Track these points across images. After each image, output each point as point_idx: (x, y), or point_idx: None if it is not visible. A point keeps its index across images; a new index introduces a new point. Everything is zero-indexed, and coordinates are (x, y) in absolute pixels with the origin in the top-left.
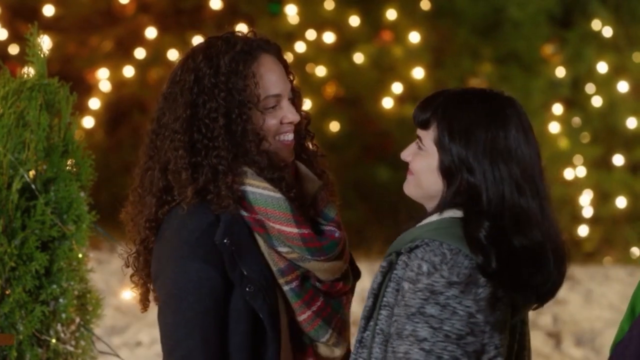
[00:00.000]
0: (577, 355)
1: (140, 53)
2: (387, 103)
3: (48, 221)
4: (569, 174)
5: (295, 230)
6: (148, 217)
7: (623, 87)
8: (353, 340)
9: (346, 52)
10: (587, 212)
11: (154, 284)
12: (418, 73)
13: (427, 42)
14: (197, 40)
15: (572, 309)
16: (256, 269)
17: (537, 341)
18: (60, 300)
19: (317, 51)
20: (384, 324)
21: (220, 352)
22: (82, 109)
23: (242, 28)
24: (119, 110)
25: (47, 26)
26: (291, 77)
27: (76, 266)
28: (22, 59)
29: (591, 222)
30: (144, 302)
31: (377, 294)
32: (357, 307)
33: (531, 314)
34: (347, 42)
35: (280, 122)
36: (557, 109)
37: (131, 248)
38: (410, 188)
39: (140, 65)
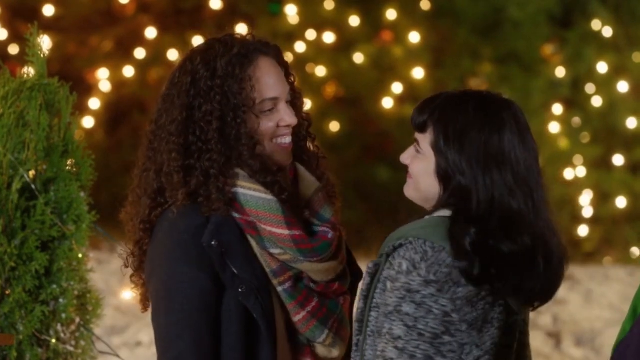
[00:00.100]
0: (577, 355)
1: (140, 53)
2: (387, 103)
3: (48, 221)
4: (569, 174)
5: (286, 232)
6: (142, 219)
7: (623, 87)
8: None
9: (346, 52)
10: (587, 212)
11: (147, 285)
12: (418, 73)
13: (427, 42)
14: (197, 40)
15: (572, 309)
16: (248, 269)
17: (537, 341)
18: (60, 300)
19: (317, 51)
20: (374, 325)
21: (212, 353)
22: (82, 109)
23: (242, 28)
24: (119, 110)
25: (47, 26)
26: (292, 79)
27: (76, 266)
28: (22, 59)
29: (591, 222)
30: (144, 302)
31: (366, 296)
32: None
33: (531, 314)
34: (347, 42)
35: (277, 125)
36: (557, 109)
37: (130, 248)
38: (409, 191)
39: (140, 65)
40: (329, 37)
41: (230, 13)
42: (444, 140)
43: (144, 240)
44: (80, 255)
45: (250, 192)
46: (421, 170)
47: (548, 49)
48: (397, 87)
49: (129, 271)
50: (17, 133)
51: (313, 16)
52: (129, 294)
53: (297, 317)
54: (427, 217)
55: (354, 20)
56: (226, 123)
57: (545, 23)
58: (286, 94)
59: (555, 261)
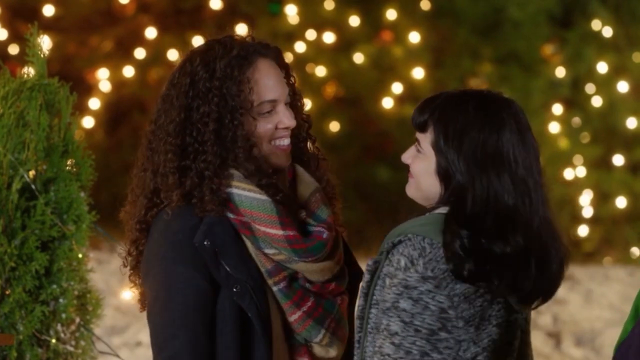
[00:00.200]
0: (577, 355)
1: (140, 53)
2: (387, 103)
3: (48, 221)
4: (569, 174)
5: (280, 232)
6: (139, 219)
7: (623, 87)
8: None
9: (346, 52)
10: (587, 212)
11: (143, 285)
12: (418, 73)
13: (427, 42)
14: (197, 40)
15: (572, 309)
16: (243, 269)
17: (537, 341)
18: (60, 300)
19: (317, 51)
20: (374, 322)
21: (207, 353)
22: (82, 109)
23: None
24: (119, 110)
25: (47, 26)
26: (292, 80)
27: (76, 266)
28: (22, 59)
29: (591, 222)
30: (143, 302)
31: (367, 293)
32: None
33: (531, 314)
34: (347, 42)
35: (275, 127)
36: (557, 109)
37: (128, 248)
38: (411, 190)
39: (140, 65)
40: (329, 37)
41: (230, 13)
42: (444, 140)
43: (140, 240)
44: (80, 255)
45: (244, 193)
46: (422, 170)
47: (548, 49)
48: (397, 87)
49: (128, 271)
50: (17, 133)
51: (313, 16)
52: (129, 294)
53: (293, 317)
54: (426, 214)
55: (354, 20)
56: (223, 125)
57: (545, 23)
58: (285, 96)
59: (552, 261)
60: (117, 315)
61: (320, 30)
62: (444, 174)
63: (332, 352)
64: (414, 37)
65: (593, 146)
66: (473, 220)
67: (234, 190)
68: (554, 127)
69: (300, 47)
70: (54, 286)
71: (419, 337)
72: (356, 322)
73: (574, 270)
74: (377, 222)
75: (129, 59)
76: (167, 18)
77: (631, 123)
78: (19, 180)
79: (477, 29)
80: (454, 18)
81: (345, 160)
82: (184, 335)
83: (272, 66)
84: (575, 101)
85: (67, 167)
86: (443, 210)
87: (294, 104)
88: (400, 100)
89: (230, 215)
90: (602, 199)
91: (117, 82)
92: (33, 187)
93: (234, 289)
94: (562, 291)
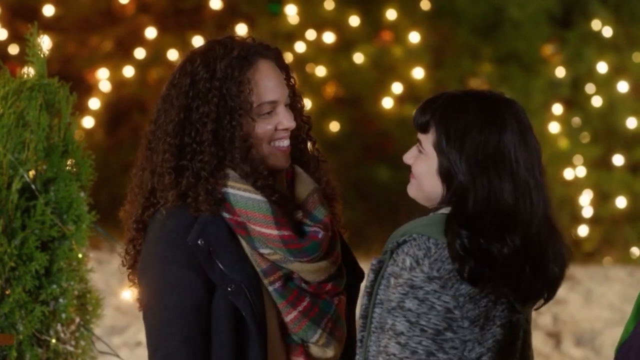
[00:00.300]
0: (577, 355)
1: (140, 53)
2: (387, 103)
3: (48, 221)
4: (569, 174)
5: (275, 232)
6: (136, 218)
7: (623, 87)
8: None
9: (346, 52)
10: (587, 212)
11: (139, 285)
12: (418, 73)
13: (427, 42)
14: (197, 40)
15: (572, 309)
16: (237, 268)
17: (537, 341)
18: (60, 300)
19: (317, 51)
20: (378, 321)
21: (203, 352)
22: (82, 109)
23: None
24: (119, 110)
25: (47, 26)
26: (292, 81)
27: (76, 266)
28: (22, 59)
29: (591, 222)
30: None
31: (370, 292)
32: None
33: (532, 314)
34: (347, 42)
35: (275, 128)
36: (557, 109)
37: (125, 247)
38: (413, 191)
39: (140, 65)
40: (329, 37)
41: (230, 13)
42: (446, 141)
43: (137, 240)
44: (80, 255)
45: (240, 193)
46: (424, 170)
47: (548, 49)
48: (397, 87)
49: (127, 270)
50: (17, 133)
51: (313, 16)
52: (128, 294)
53: (289, 317)
54: (430, 214)
55: (354, 20)
56: (221, 125)
57: (545, 23)
58: (285, 97)
59: (551, 261)
60: (117, 315)
61: (320, 30)
62: (446, 174)
63: (330, 353)
64: (414, 37)
65: (593, 146)
66: (474, 220)
67: (230, 190)
68: (554, 127)
69: (300, 47)
70: (54, 286)
71: (425, 337)
72: (359, 322)
73: (574, 270)
74: (377, 222)
75: (129, 59)
76: (167, 18)
77: (631, 123)
78: (19, 180)
79: (477, 29)
80: (454, 18)
81: (345, 161)
82: (179, 334)
83: (273, 67)
84: (575, 101)
85: (67, 167)
86: (446, 210)
87: (294, 106)
88: (400, 100)
89: (226, 215)
90: (602, 199)
91: (117, 82)
92: (33, 187)
93: (229, 288)
94: (562, 291)
